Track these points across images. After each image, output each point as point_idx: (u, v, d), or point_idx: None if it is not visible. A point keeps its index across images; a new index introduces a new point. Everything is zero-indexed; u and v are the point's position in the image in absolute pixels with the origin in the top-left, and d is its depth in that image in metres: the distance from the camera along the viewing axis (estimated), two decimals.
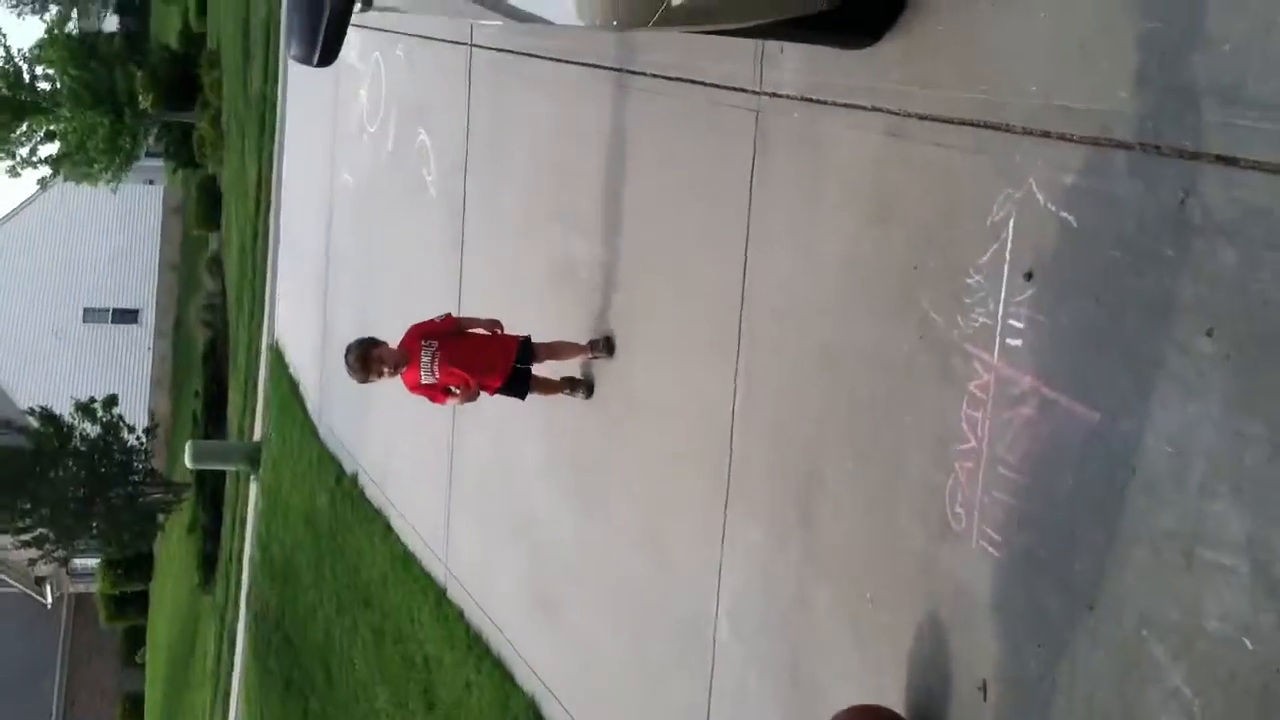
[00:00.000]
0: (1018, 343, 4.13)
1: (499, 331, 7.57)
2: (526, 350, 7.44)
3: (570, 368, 7.71)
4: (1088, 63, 3.80)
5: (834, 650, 5.29)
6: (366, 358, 7.23)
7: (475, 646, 9.63)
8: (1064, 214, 3.90)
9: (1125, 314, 3.63)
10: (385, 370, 7.25)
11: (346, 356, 7.34)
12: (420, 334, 7.35)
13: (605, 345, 7.43)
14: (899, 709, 4.79)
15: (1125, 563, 3.63)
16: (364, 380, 7.36)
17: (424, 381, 7.33)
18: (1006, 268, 4.17)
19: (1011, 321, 4.15)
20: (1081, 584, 3.82)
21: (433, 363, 7.25)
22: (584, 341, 7.53)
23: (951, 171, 4.49)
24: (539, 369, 7.58)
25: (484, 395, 7.56)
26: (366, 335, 7.49)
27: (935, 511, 4.57)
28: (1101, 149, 3.73)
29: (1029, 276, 4.07)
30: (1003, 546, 4.21)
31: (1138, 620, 3.59)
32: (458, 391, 7.46)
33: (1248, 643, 3.22)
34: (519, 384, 7.49)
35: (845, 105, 5.19)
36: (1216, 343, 3.30)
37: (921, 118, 4.66)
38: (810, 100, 5.48)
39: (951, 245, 4.47)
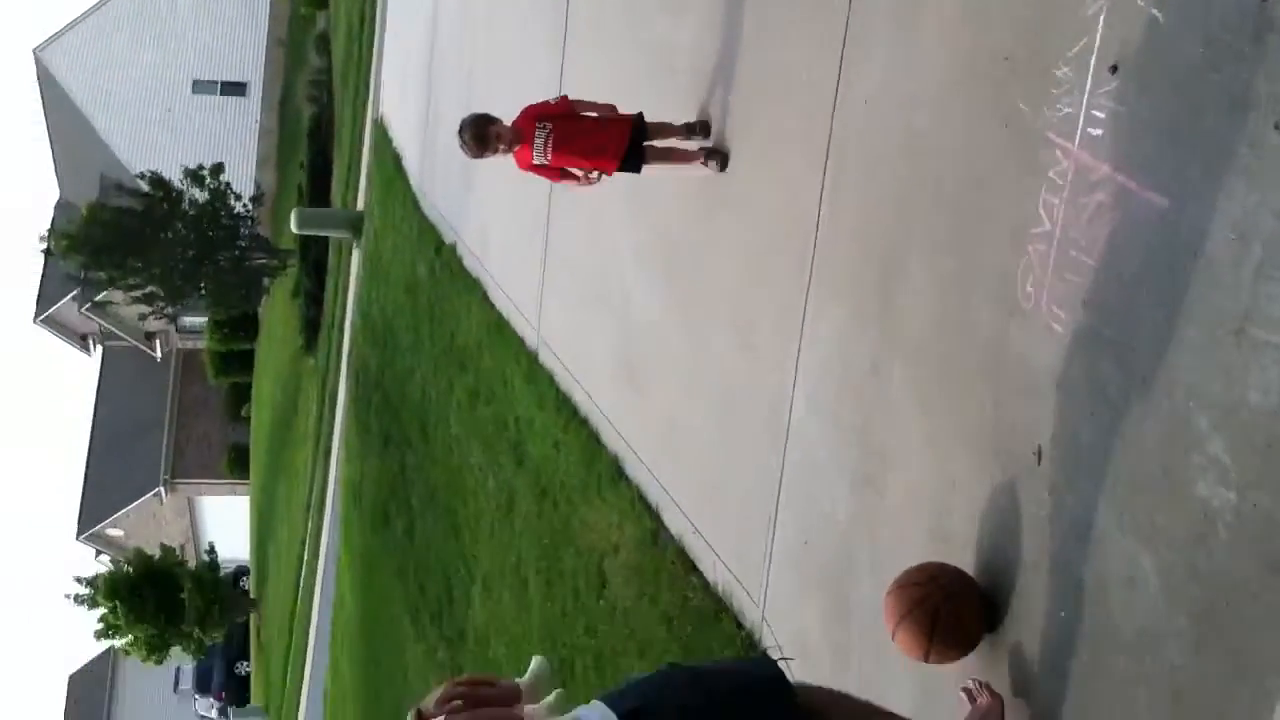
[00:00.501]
0: (1098, 132, 4.24)
1: (614, 113, 7.47)
2: (640, 129, 7.37)
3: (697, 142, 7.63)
4: None
5: (902, 420, 5.56)
6: (483, 134, 7.16)
7: (564, 409, 10.06)
8: (1153, 10, 3.96)
9: (1201, 107, 3.74)
10: (500, 147, 7.21)
11: (461, 132, 7.26)
12: (535, 115, 7.25)
13: (721, 160, 7.35)
14: (956, 476, 5.07)
15: (1180, 340, 3.82)
16: (478, 155, 7.32)
17: (536, 161, 7.28)
18: (1094, 60, 4.26)
19: (1094, 112, 4.26)
20: (1138, 360, 4.02)
21: (546, 144, 7.17)
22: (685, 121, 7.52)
23: None
24: (662, 142, 7.53)
25: (604, 177, 7.54)
26: (480, 111, 7.43)
27: (1008, 292, 4.75)
28: None
29: (1114, 69, 4.16)
30: (1068, 324, 4.40)
31: (1185, 393, 3.79)
32: (577, 174, 7.43)
33: None
34: (634, 159, 7.41)
35: None
36: None
37: None
38: None
39: (1044, 37, 4.55)
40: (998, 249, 4.83)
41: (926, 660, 4.69)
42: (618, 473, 9.00)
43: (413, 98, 16.49)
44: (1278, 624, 3.43)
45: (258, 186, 38.37)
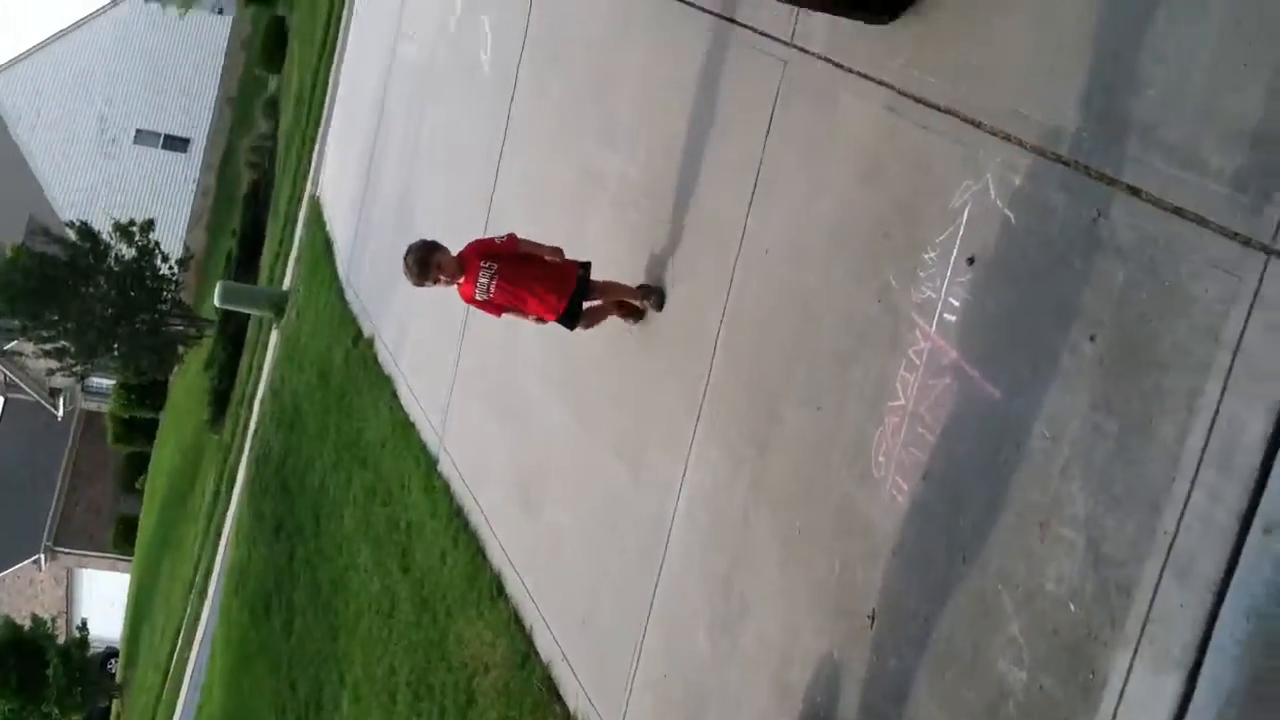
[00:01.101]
0: (952, 319, 4.73)
1: (560, 258, 7.58)
2: (584, 283, 7.52)
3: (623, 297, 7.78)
4: (1051, 81, 4.36)
5: (763, 570, 5.97)
6: (426, 262, 7.31)
7: (455, 520, 10.39)
8: (1007, 211, 4.48)
9: (1035, 309, 4.23)
10: (441, 278, 7.35)
11: (405, 257, 7.40)
12: (481, 251, 7.42)
13: (658, 299, 7.52)
14: (803, 631, 5.48)
15: (996, 524, 4.27)
16: (419, 283, 7.44)
17: (478, 298, 7.43)
18: (956, 250, 4.77)
19: (951, 299, 4.76)
20: (960, 536, 4.46)
21: (490, 283, 7.33)
22: (635, 285, 7.69)
23: (930, 154, 5.06)
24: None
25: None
26: (428, 238, 7.56)
27: (862, 458, 5.21)
28: (1045, 160, 4.30)
29: (971, 261, 4.66)
30: (908, 495, 4.85)
31: (995, 574, 4.23)
32: (517, 314, 7.59)
33: (1072, 606, 3.86)
34: (571, 316, 7.55)
35: (859, 74, 5.75)
36: (1096, 347, 3.90)
37: (916, 99, 5.22)
38: (831, 62, 6.03)
39: (918, 221, 5.06)
40: (860, 414, 5.29)
41: None
42: (497, 590, 9.32)
43: (351, 181, 16.99)
44: None
45: (186, 249, 38.63)
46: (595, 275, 7.65)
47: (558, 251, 7.60)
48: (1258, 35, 3.51)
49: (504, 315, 7.71)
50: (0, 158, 46.42)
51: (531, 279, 7.42)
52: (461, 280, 7.39)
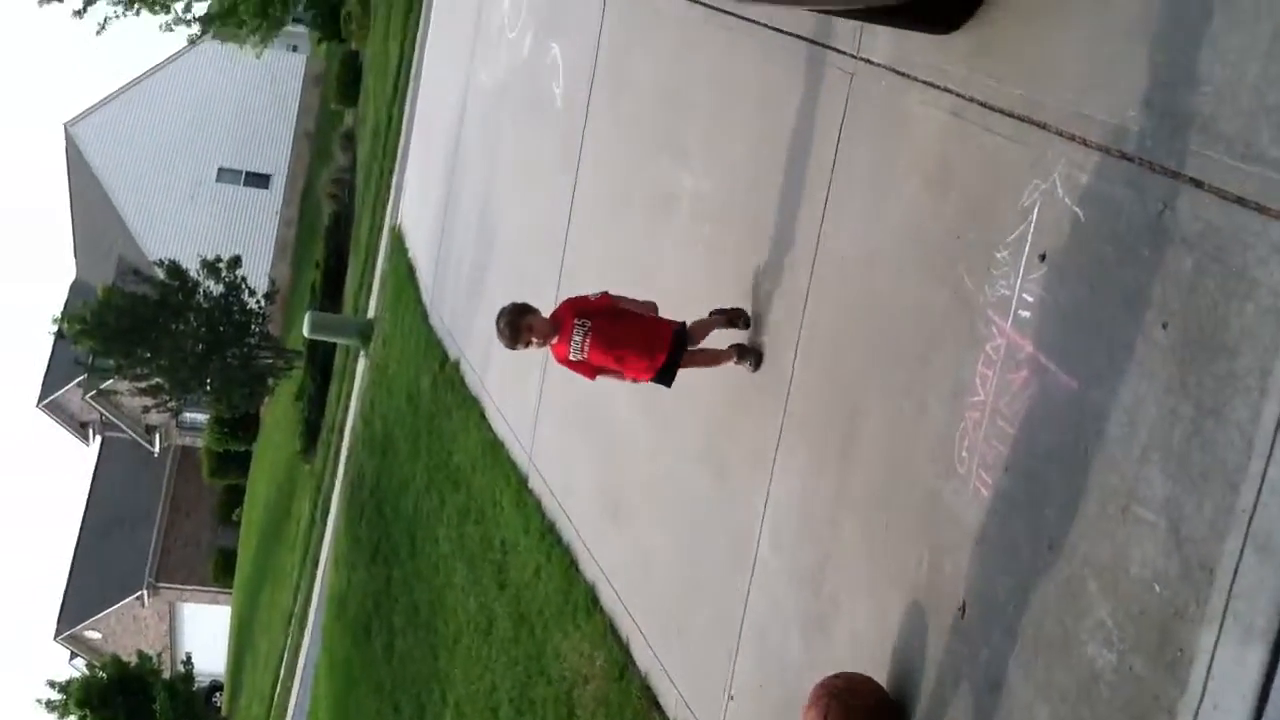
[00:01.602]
0: (1027, 314, 4.85)
1: (654, 314, 7.49)
2: (680, 342, 7.35)
3: (734, 336, 7.59)
4: (1112, 80, 4.47)
5: (852, 568, 6.11)
6: (517, 325, 7.21)
7: (548, 535, 10.61)
8: (1076, 208, 4.60)
9: (1108, 301, 4.35)
10: (534, 341, 7.26)
11: (498, 321, 7.31)
12: (575, 310, 7.32)
13: (755, 360, 7.38)
14: (895, 626, 5.61)
15: (1079, 511, 4.38)
16: (511, 347, 7.33)
17: (573, 358, 7.32)
18: (1028, 248, 4.89)
19: (1025, 295, 4.88)
20: (1046, 525, 4.58)
21: (584, 342, 7.22)
22: (727, 346, 7.47)
23: (997, 156, 5.19)
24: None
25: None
26: (519, 300, 7.44)
27: (946, 454, 5.34)
28: (1111, 157, 4.42)
29: (1043, 258, 4.78)
30: (992, 488, 4.97)
31: (1081, 560, 4.34)
32: (612, 375, 7.47)
33: (1156, 587, 3.96)
34: (668, 375, 7.39)
35: (923, 82, 5.89)
36: (1168, 334, 4.01)
37: (981, 104, 5.35)
38: (896, 72, 6.18)
39: (989, 221, 5.19)
40: (941, 411, 5.42)
41: None
42: (592, 602, 9.51)
43: (430, 209, 17.33)
44: None
45: (272, 283, 39.38)
46: (686, 316, 7.52)
47: (652, 306, 7.52)
48: None
49: (598, 378, 7.55)
50: (88, 202, 47.71)
51: (627, 339, 7.29)
52: (555, 340, 7.28)
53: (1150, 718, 3.93)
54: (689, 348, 7.40)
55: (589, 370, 7.42)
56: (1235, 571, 3.63)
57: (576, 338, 7.21)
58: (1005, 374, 4.96)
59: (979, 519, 5.05)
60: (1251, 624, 3.56)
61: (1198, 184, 3.96)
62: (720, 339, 7.55)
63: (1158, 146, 4.18)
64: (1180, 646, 3.83)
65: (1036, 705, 4.50)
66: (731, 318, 7.54)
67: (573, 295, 7.48)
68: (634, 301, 7.52)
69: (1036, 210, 4.86)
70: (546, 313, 7.41)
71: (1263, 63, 3.76)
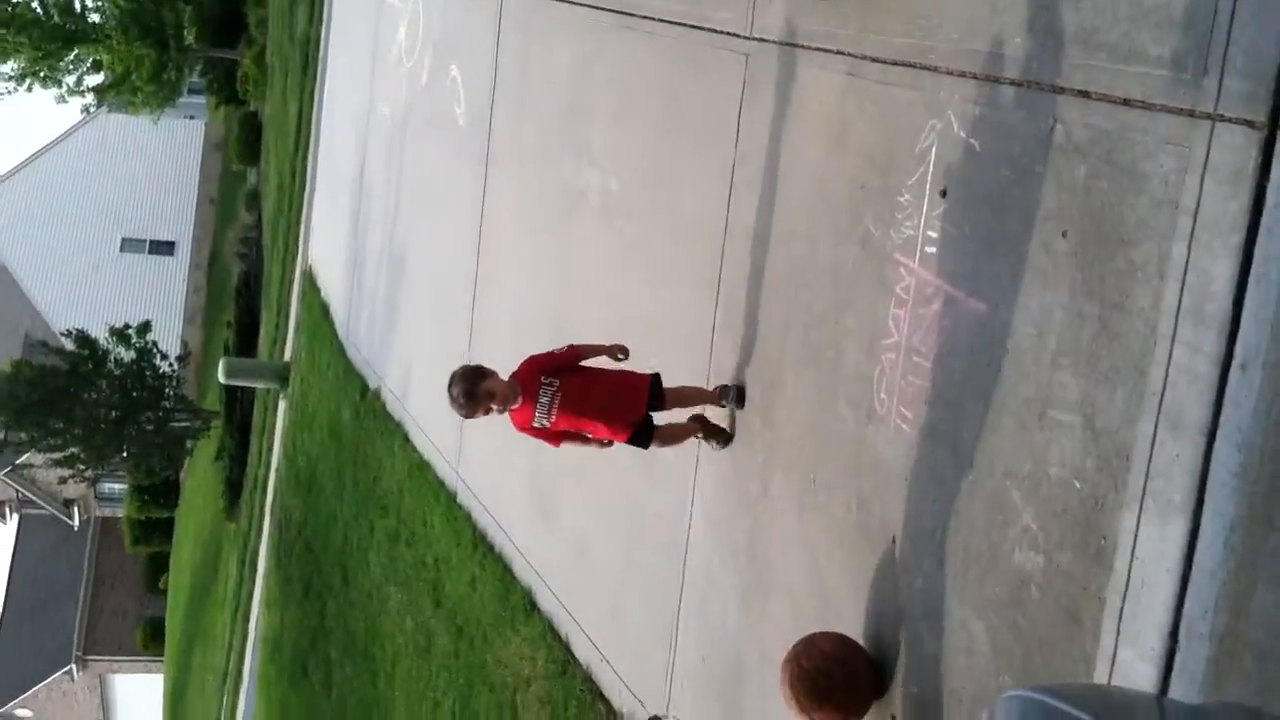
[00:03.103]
0: (933, 250, 4.95)
1: (622, 361, 6.69)
2: (655, 395, 6.66)
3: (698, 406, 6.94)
4: (995, 13, 4.61)
5: (782, 527, 6.15)
6: (474, 393, 6.34)
7: (480, 545, 10.55)
8: (971, 140, 4.72)
9: (1008, 221, 4.46)
10: (494, 407, 6.40)
11: (450, 389, 6.42)
12: (539, 368, 6.50)
13: (737, 396, 6.69)
14: (831, 577, 5.65)
15: (997, 427, 4.47)
16: (469, 416, 6.51)
17: (537, 424, 6.53)
18: (928, 186, 5.00)
19: (929, 232, 4.98)
20: (966, 448, 4.66)
21: (551, 405, 6.44)
22: (711, 387, 6.85)
23: (894, 106, 5.31)
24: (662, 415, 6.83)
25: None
26: (472, 364, 6.57)
27: (865, 399, 5.41)
28: (1001, 85, 4.54)
29: (944, 194, 4.89)
30: (913, 423, 5.05)
31: (1002, 474, 4.43)
32: (578, 441, 6.70)
33: (1076, 483, 4.05)
34: (644, 435, 6.71)
35: (816, 49, 6.01)
36: (1068, 241, 4.12)
37: (873, 59, 5.47)
38: (790, 44, 6.30)
39: (890, 169, 5.29)
40: (858, 361, 5.50)
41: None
42: (530, 605, 9.47)
43: (341, 245, 17.27)
44: (1078, 671, 4.01)
45: (184, 345, 38.87)
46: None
47: (619, 349, 6.68)
48: None
49: (562, 444, 6.77)
50: None
51: (598, 404, 6.54)
52: (517, 405, 6.45)
53: (1082, 608, 4.00)
54: (663, 408, 6.73)
55: (554, 438, 6.67)
56: (1150, 452, 3.73)
57: (544, 399, 6.43)
58: (916, 310, 5.05)
59: (902, 455, 5.12)
60: (1170, 500, 3.65)
61: (1084, 94, 4.08)
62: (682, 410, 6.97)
63: (1043, 67, 4.30)
64: (1103, 534, 3.91)
65: (971, 621, 4.57)
66: (723, 395, 6.77)
67: (534, 353, 6.66)
68: (599, 347, 6.72)
69: (934, 149, 4.97)
70: (503, 373, 6.54)
71: None
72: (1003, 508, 4.43)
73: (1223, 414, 3.45)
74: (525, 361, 6.59)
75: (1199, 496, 3.52)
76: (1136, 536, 3.77)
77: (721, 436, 6.83)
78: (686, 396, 6.83)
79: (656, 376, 6.70)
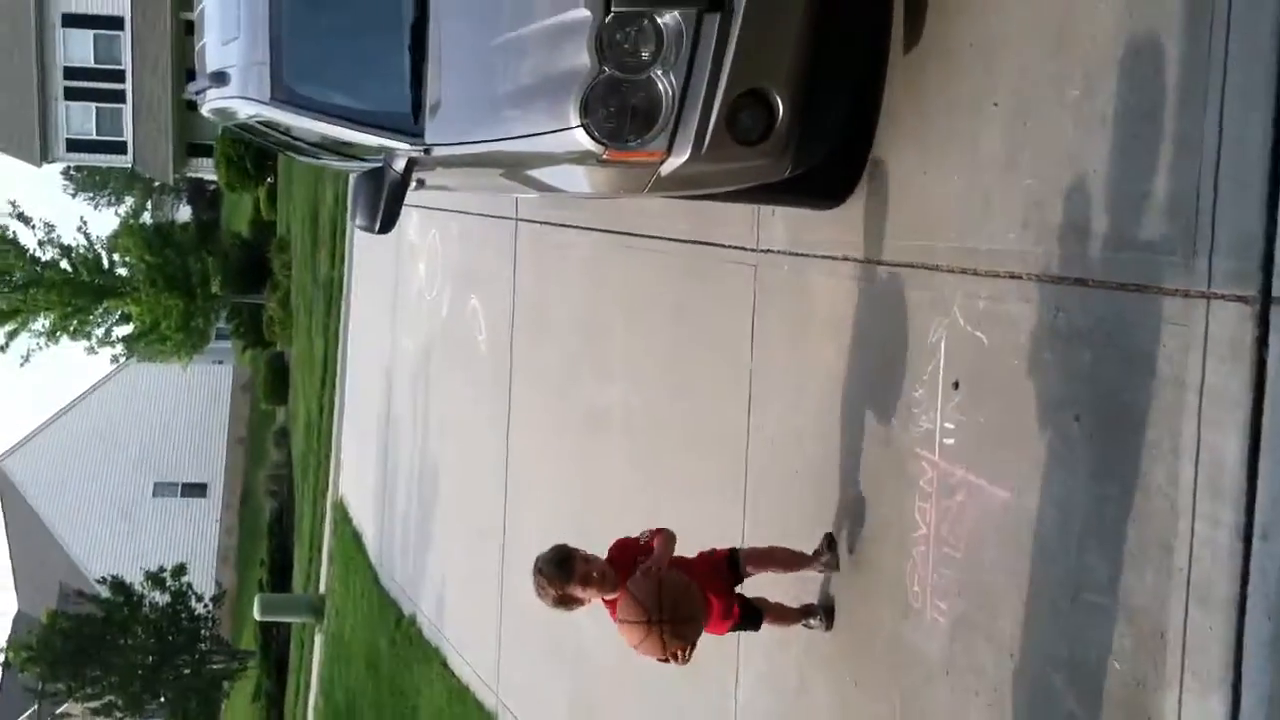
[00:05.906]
0: (951, 441, 5.03)
1: (667, 541, 5.70)
2: (736, 565, 5.95)
3: (808, 591, 6.22)
4: (990, 213, 4.78)
5: None
6: (570, 573, 5.47)
7: None
8: (978, 333, 4.84)
9: (1022, 409, 4.54)
10: (592, 592, 5.52)
11: (539, 572, 5.55)
12: (635, 553, 5.70)
13: (829, 548, 5.99)
14: None
15: (1032, 613, 4.47)
16: (564, 603, 5.57)
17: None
18: (941, 380, 5.10)
19: (946, 424, 5.06)
20: (1003, 637, 4.65)
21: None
22: (810, 550, 6.09)
23: (903, 306, 5.45)
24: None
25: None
26: (559, 544, 5.71)
27: (899, 594, 5.41)
28: (1000, 279, 4.68)
29: (956, 385, 4.99)
30: (948, 614, 5.04)
31: (1044, 660, 4.41)
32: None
33: (1116, 664, 4.04)
34: (752, 616, 6.04)
35: (822, 256, 6.19)
36: (1083, 425, 4.20)
37: (879, 263, 5.64)
38: (796, 254, 6.49)
39: (902, 365, 5.41)
40: (889, 555, 5.52)
41: None
42: None
43: (371, 477, 17.40)
44: None
45: (219, 585, 38.80)
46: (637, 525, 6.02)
47: (668, 537, 5.75)
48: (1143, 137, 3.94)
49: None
50: (25, 534, 46.99)
51: (696, 583, 5.60)
52: (615, 592, 5.50)
53: None
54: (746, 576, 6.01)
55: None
56: (1185, 629, 3.73)
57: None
58: (941, 502, 5.10)
59: (941, 649, 5.10)
60: (1209, 674, 3.64)
61: (1082, 282, 4.21)
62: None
63: (1039, 259, 4.45)
64: (1149, 714, 3.88)
65: None
66: (810, 613, 6.11)
67: (620, 537, 5.91)
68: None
69: (944, 344, 5.09)
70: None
71: (1119, 164, 4.07)
72: (1047, 694, 4.39)
73: (1250, 584, 3.47)
74: (617, 542, 5.83)
75: (1237, 670, 3.52)
76: (1180, 712, 3.74)
77: (823, 614, 6.06)
78: (776, 557, 6.13)
79: (733, 551, 6.04)
